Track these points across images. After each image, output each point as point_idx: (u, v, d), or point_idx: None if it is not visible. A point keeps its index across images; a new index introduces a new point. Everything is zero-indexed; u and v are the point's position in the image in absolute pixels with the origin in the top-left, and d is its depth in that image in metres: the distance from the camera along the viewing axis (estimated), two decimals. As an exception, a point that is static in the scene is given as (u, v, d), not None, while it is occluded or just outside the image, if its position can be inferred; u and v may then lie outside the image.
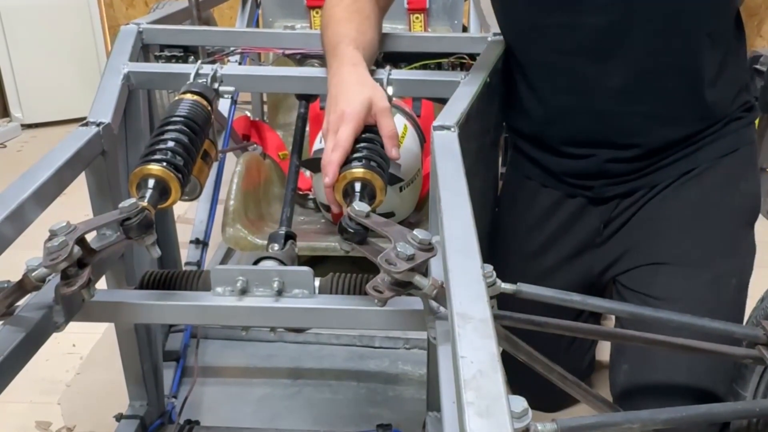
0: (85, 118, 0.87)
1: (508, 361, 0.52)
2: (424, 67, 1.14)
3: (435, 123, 0.85)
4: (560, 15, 1.04)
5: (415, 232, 0.68)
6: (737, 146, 1.11)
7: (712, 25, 1.03)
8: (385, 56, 1.11)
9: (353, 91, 0.87)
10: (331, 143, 0.84)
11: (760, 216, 1.19)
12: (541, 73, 1.12)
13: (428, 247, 0.68)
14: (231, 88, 0.97)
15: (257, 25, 2.08)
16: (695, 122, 1.09)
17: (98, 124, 0.86)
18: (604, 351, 1.39)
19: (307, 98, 1.25)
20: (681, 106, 1.08)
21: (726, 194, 1.11)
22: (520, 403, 0.46)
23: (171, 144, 0.79)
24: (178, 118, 0.84)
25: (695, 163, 1.11)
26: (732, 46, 1.09)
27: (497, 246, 1.27)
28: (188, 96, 0.89)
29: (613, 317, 1.34)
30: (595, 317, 1.30)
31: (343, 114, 0.85)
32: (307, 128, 1.37)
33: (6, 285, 0.69)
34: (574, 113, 1.11)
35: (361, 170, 0.80)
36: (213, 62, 1.09)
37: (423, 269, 0.68)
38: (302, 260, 1.42)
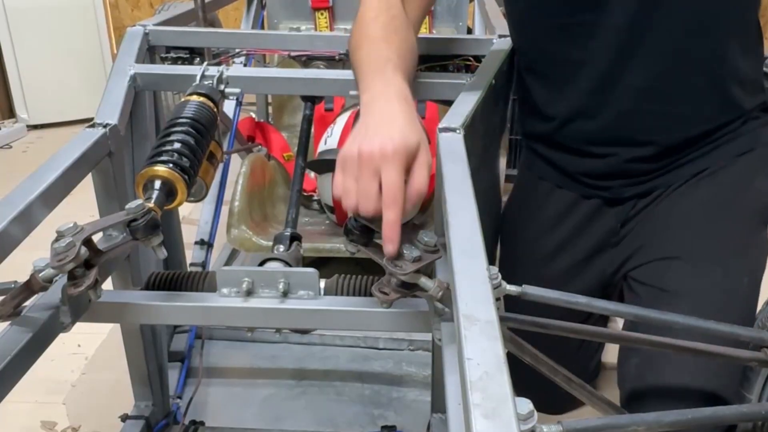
0: (90, 119, 0.87)
1: (513, 363, 0.52)
2: (429, 69, 1.14)
3: (440, 125, 0.84)
4: (585, 14, 1.03)
5: (421, 233, 0.68)
6: (753, 146, 1.11)
7: (735, 24, 1.03)
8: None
9: (405, 128, 0.75)
10: (376, 194, 0.71)
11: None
12: (563, 73, 1.11)
13: (434, 249, 0.68)
14: (236, 90, 0.97)
15: (262, 27, 2.08)
16: (715, 119, 1.09)
17: (105, 126, 0.86)
18: (609, 353, 1.39)
19: (312, 100, 1.25)
20: (703, 104, 1.07)
21: (740, 193, 1.11)
22: (526, 405, 0.46)
23: (177, 145, 0.80)
24: (184, 120, 0.84)
25: (711, 162, 1.11)
26: (751, 45, 1.09)
27: (509, 249, 1.26)
28: (194, 97, 0.90)
29: (620, 319, 1.34)
30: (603, 319, 1.30)
31: (385, 150, 0.72)
32: (312, 130, 1.37)
33: (13, 285, 0.69)
34: (595, 112, 1.10)
35: None
36: (218, 64, 1.09)
37: (428, 271, 0.68)
38: (307, 261, 1.43)
